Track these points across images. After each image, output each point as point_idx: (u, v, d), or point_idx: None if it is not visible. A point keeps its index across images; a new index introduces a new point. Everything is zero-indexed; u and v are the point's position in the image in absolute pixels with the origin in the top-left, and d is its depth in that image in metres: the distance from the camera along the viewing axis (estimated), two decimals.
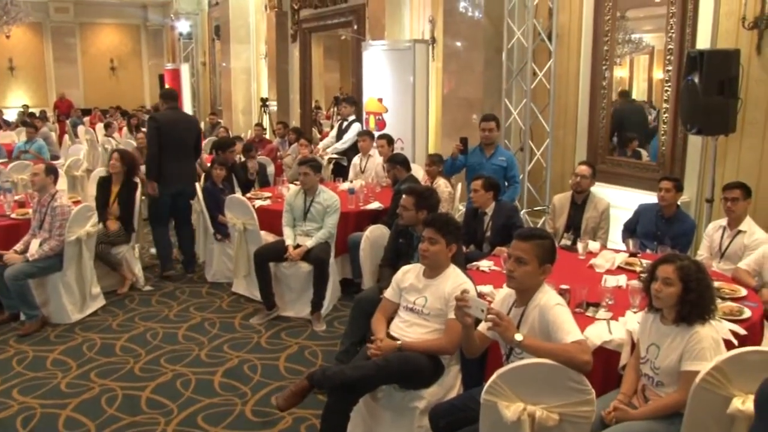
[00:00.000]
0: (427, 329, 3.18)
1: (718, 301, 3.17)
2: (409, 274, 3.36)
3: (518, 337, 2.46)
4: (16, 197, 6.00)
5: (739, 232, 4.08)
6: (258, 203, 5.80)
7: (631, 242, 4.35)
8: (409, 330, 3.21)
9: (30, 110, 15.57)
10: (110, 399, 3.86)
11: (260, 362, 4.35)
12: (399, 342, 3.13)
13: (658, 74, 5.62)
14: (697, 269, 2.57)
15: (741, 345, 2.76)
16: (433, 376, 3.13)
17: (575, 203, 4.96)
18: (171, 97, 6.14)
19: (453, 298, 3.09)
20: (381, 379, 3.07)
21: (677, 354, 2.51)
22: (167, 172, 5.75)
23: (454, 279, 3.20)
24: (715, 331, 2.55)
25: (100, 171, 6.88)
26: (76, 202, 5.66)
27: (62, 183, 6.82)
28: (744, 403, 2.27)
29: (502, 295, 2.89)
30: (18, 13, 13.16)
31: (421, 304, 3.21)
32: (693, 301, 2.51)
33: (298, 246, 5.03)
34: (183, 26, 16.55)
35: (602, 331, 2.95)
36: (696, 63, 4.44)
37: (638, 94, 6.15)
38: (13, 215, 5.48)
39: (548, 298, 2.63)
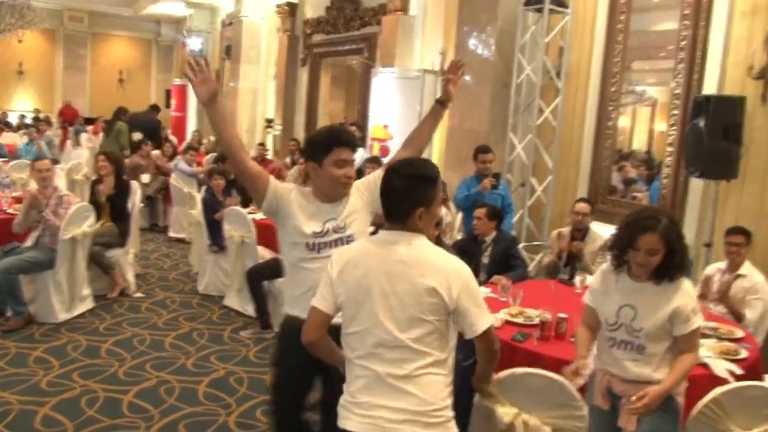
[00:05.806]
0: None
1: (715, 340, 3.15)
2: None
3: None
4: (14, 194, 5.97)
5: (739, 276, 4.07)
6: (257, 216, 5.78)
7: None
8: None
9: (34, 116, 15.59)
10: (91, 400, 3.78)
11: (247, 375, 4.28)
12: None
13: (660, 126, 5.70)
14: (674, 224, 2.42)
15: None
16: None
17: (575, 239, 4.95)
18: None
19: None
20: None
21: (666, 311, 2.35)
22: None
23: None
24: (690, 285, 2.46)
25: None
26: None
27: (61, 185, 6.81)
28: None
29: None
30: (33, 18, 13.25)
31: None
32: (678, 262, 2.39)
33: None
34: (194, 43, 16.69)
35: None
36: (702, 107, 4.47)
37: (638, 144, 6.22)
38: (10, 210, 5.46)
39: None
